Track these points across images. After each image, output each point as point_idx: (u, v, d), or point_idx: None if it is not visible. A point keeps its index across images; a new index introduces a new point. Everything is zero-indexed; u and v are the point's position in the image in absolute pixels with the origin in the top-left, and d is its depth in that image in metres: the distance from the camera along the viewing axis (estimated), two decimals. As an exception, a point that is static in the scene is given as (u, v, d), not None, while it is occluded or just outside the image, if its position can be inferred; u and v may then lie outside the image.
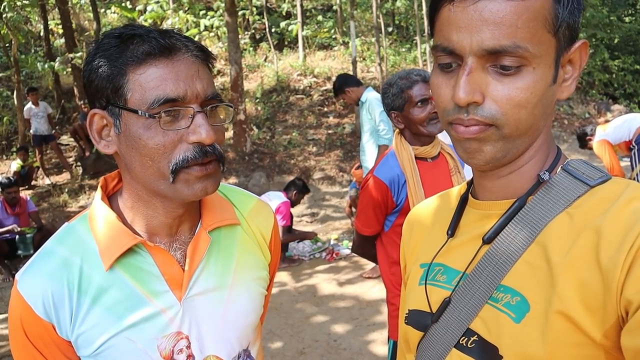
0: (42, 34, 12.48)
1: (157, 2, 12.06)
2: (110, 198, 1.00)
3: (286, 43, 14.44)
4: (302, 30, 13.33)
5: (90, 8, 10.59)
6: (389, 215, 2.07)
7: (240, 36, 11.47)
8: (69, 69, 10.64)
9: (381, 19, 12.87)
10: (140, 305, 0.92)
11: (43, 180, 9.48)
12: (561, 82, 0.73)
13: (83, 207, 8.24)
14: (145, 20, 11.24)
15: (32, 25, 13.96)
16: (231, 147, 9.60)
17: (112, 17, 14.09)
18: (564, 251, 0.68)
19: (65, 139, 10.67)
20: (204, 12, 13.16)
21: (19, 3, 10.47)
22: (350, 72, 10.44)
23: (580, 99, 13.07)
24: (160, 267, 0.94)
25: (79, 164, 9.69)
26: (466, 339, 0.75)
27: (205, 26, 12.52)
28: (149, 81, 0.85)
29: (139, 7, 12.45)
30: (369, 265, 5.24)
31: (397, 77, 2.11)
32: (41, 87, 11.81)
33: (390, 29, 15.53)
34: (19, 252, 6.43)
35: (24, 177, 9.03)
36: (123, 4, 11.80)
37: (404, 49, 14.72)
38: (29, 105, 9.33)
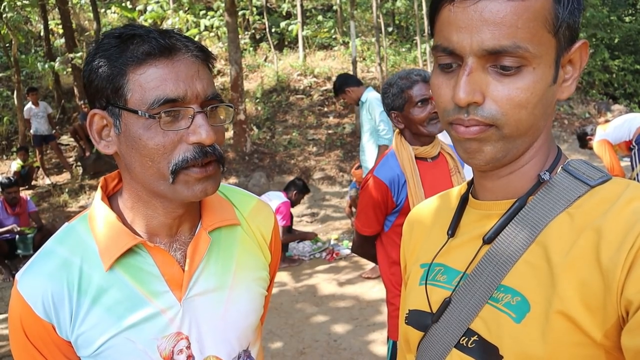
0: (42, 34, 12.48)
1: (157, 2, 12.06)
2: (111, 198, 1.00)
3: (286, 43, 14.44)
4: (302, 30, 13.33)
5: (91, 8, 10.59)
6: (389, 215, 2.07)
7: (240, 36, 11.47)
8: (69, 69, 10.65)
9: (381, 18, 12.87)
10: (140, 305, 0.92)
11: (43, 180, 9.48)
12: (561, 82, 0.73)
13: (83, 207, 8.25)
14: (146, 20, 11.24)
15: (32, 25, 13.97)
16: (231, 147, 9.61)
17: (112, 17, 14.10)
18: (564, 251, 0.68)
19: (66, 139, 10.67)
20: (204, 12, 13.16)
21: (19, 3, 10.47)
22: (351, 72, 10.44)
23: (580, 99, 13.08)
24: (160, 268, 0.94)
25: (79, 164, 9.69)
26: (466, 339, 0.75)
27: (206, 26, 12.52)
28: (149, 81, 0.84)
29: (139, 7, 12.46)
30: (369, 265, 5.23)
31: (397, 77, 2.11)
32: (41, 87, 11.81)
33: (390, 29, 15.53)
34: (19, 251, 6.42)
35: (24, 177, 9.03)
36: (123, 4, 11.80)
37: (404, 49, 14.72)
38: (29, 105, 9.33)
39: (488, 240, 0.76)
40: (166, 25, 11.49)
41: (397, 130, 2.14)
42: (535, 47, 0.66)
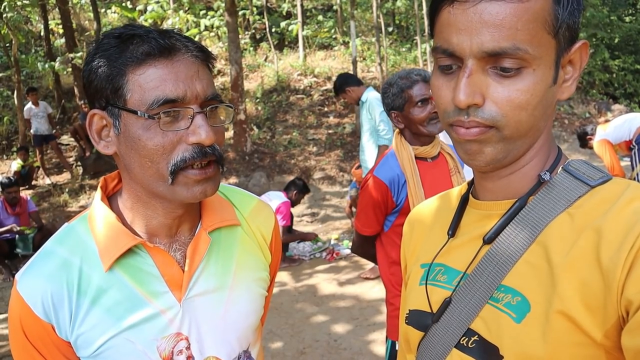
0: (42, 33, 12.49)
1: (158, 2, 12.06)
2: (110, 198, 1.00)
3: (286, 43, 14.45)
4: (303, 30, 13.34)
5: (91, 8, 10.59)
6: (389, 215, 2.07)
7: (240, 36, 11.47)
8: (69, 69, 10.65)
9: (381, 18, 12.87)
10: (140, 306, 0.92)
11: (43, 180, 9.49)
12: (561, 82, 0.73)
13: (83, 207, 8.25)
14: (146, 20, 11.24)
15: (32, 25, 13.97)
16: (231, 147, 9.61)
17: (113, 17, 14.10)
18: (564, 251, 0.68)
19: (66, 138, 10.68)
20: (204, 12, 13.16)
21: (19, 3, 10.47)
22: (351, 72, 10.44)
23: (580, 99, 13.08)
24: (160, 268, 0.94)
25: (79, 163, 9.70)
26: (467, 339, 0.75)
27: (206, 26, 12.52)
28: (149, 82, 0.84)
29: (140, 7, 12.46)
30: (369, 265, 5.23)
31: (397, 76, 2.10)
32: (41, 87, 11.82)
33: (390, 29, 15.54)
34: (18, 250, 6.41)
35: (24, 177, 9.04)
36: (123, 4, 11.80)
37: (404, 49, 14.73)
38: (29, 105, 9.34)
39: (488, 240, 0.76)
40: (166, 25, 11.49)
41: (397, 130, 2.14)
42: (535, 48, 0.66)
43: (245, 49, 13.42)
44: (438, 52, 0.71)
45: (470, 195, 0.85)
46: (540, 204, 0.73)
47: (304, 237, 6.07)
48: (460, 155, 0.75)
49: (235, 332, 1.00)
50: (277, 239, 1.14)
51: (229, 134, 9.76)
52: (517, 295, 0.71)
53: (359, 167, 6.02)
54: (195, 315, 0.96)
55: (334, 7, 15.23)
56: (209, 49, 0.93)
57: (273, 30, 13.74)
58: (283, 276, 5.35)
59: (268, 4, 14.52)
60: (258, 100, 11.66)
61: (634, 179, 4.68)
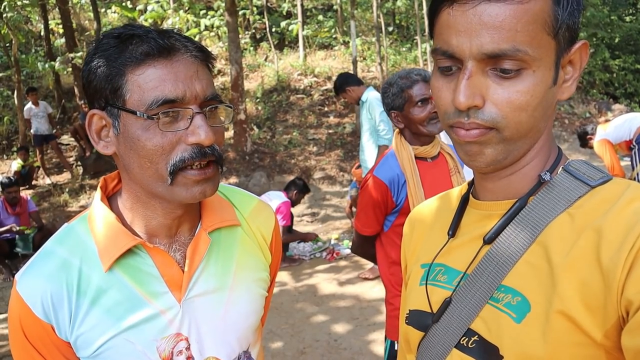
0: (42, 33, 12.49)
1: (158, 2, 12.06)
2: (110, 199, 1.00)
3: (287, 43, 14.44)
4: (303, 29, 13.33)
5: (91, 8, 10.59)
6: (389, 215, 2.07)
7: (240, 36, 11.47)
8: (70, 69, 10.65)
9: (382, 18, 12.87)
10: (140, 306, 0.92)
11: (44, 180, 9.49)
12: (561, 83, 0.73)
13: (84, 207, 8.25)
14: (146, 20, 11.23)
15: (32, 25, 13.97)
16: (232, 146, 9.61)
17: (113, 16, 14.10)
18: (564, 251, 0.68)
19: (66, 138, 10.68)
20: (204, 11, 13.16)
21: (19, 3, 10.48)
22: (351, 72, 10.43)
23: (581, 99, 13.08)
24: (160, 268, 0.94)
25: (79, 163, 9.70)
26: (467, 339, 0.75)
27: (206, 26, 12.52)
28: (148, 82, 0.84)
29: (140, 7, 12.45)
30: (369, 265, 5.23)
31: (397, 76, 2.10)
32: (42, 86, 11.83)
33: (390, 29, 15.53)
34: (17, 249, 6.40)
35: (24, 176, 9.04)
36: (123, 4, 11.80)
37: (404, 49, 14.72)
38: (29, 105, 9.34)
39: (488, 240, 0.76)
40: (166, 25, 11.49)
41: (397, 130, 2.14)
42: (535, 50, 0.66)
43: (246, 49, 13.42)
44: (438, 53, 0.71)
45: (471, 196, 0.85)
46: (541, 204, 0.73)
47: (304, 237, 6.08)
48: (460, 156, 0.75)
49: (235, 333, 1.00)
50: (277, 240, 1.14)
51: (229, 133, 9.76)
52: (517, 295, 0.71)
53: (359, 166, 6.02)
54: (195, 316, 0.96)
55: (334, 7, 15.24)
56: (209, 49, 0.92)
57: (273, 30, 13.74)
58: (283, 276, 5.35)
59: (268, 4, 14.52)
60: (258, 100, 11.66)
61: (634, 178, 4.68)
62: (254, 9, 14.41)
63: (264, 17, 13.64)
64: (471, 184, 0.86)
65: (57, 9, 11.79)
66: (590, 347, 0.65)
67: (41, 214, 7.61)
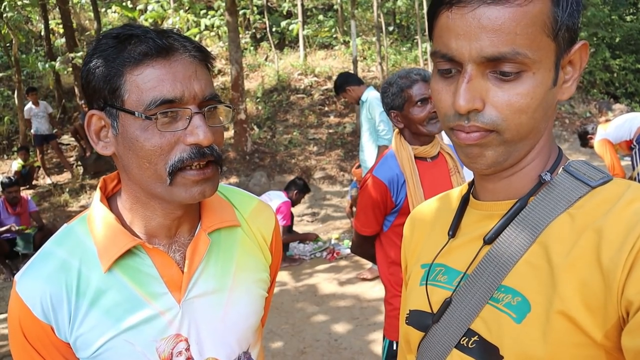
0: (42, 33, 12.50)
1: (158, 2, 12.05)
2: (110, 199, 1.00)
3: (287, 42, 14.45)
4: (303, 29, 13.33)
5: (91, 7, 10.60)
6: (388, 215, 2.06)
7: (241, 35, 11.47)
8: (70, 69, 10.65)
9: (382, 18, 12.87)
10: (139, 307, 0.92)
11: (44, 180, 9.50)
12: (562, 83, 0.73)
13: (84, 207, 8.26)
14: (146, 20, 11.23)
15: (32, 24, 13.98)
16: (232, 146, 9.61)
17: (113, 16, 14.10)
18: (565, 252, 0.68)
19: (66, 138, 10.69)
20: (204, 11, 13.15)
21: (19, 3, 10.48)
22: (351, 72, 10.43)
23: (581, 98, 13.07)
24: (159, 269, 0.94)
25: (79, 163, 9.71)
26: (467, 339, 0.75)
27: (206, 25, 12.52)
28: (146, 82, 0.84)
29: (140, 7, 12.44)
30: (369, 265, 5.23)
31: (397, 76, 2.10)
32: (42, 86, 11.83)
33: (391, 28, 15.53)
34: (17, 248, 6.40)
35: (25, 176, 9.05)
36: (124, 4, 11.80)
37: (404, 48, 14.72)
38: (29, 105, 9.34)
39: (489, 240, 0.76)
40: (167, 24, 11.49)
41: (397, 130, 2.14)
42: (535, 52, 0.66)
43: (246, 49, 13.42)
44: (437, 56, 0.71)
45: (471, 196, 0.85)
46: (541, 205, 0.73)
47: (304, 237, 6.07)
48: (461, 158, 0.75)
49: (235, 334, 1.00)
50: (277, 240, 1.13)
51: (230, 133, 9.76)
52: (518, 295, 0.71)
53: (360, 166, 6.02)
54: (194, 317, 0.95)
55: (335, 7, 15.23)
56: (210, 49, 0.92)
57: (273, 29, 13.74)
58: (283, 276, 5.35)
59: (268, 4, 14.52)
60: (258, 99, 11.66)
61: (635, 178, 4.68)
62: (255, 8, 14.42)
63: (264, 17, 13.64)
64: (471, 184, 0.86)
65: (57, 9, 11.79)
66: (591, 347, 0.65)
67: (41, 213, 7.61)
